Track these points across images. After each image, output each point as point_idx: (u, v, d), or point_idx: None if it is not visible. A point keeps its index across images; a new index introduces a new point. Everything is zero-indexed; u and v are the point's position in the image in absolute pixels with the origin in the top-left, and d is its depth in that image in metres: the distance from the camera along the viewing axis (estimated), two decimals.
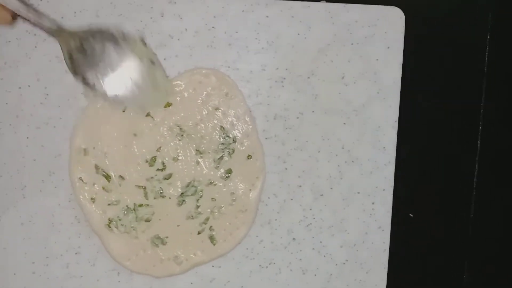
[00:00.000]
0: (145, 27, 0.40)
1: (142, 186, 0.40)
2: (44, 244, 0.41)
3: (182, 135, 0.40)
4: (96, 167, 0.40)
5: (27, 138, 0.41)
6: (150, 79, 0.38)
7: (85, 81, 0.37)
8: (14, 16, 0.35)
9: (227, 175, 0.40)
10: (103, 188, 0.40)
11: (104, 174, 0.40)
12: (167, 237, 0.40)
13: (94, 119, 0.40)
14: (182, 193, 0.40)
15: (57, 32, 0.36)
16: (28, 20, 0.35)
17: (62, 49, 0.37)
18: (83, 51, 0.36)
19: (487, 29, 0.42)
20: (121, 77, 0.37)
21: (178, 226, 0.40)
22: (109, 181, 0.40)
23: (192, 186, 0.40)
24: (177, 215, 0.40)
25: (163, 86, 0.39)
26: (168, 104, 0.39)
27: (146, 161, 0.40)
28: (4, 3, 0.34)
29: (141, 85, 0.37)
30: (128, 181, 0.40)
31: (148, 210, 0.40)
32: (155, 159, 0.40)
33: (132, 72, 0.37)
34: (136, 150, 0.40)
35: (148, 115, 0.40)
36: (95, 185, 0.40)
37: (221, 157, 0.40)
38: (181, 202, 0.40)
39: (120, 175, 0.40)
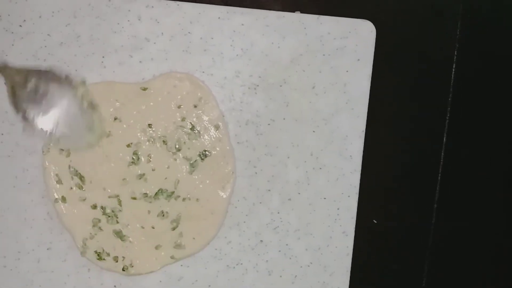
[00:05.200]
0: (122, 30, 0.41)
1: (115, 195, 0.41)
2: (16, 239, 0.42)
3: (155, 137, 0.41)
4: (69, 166, 0.41)
5: (2, 134, 0.41)
6: (86, 121, 0.40)
7: (24, 117, 0.39)
8: None
9: (198, 177, 0.41)
10: (76, 187, 0.41)
11: (77, 174, 0.41)
12: (136, 236, 0.41)
13: None
14: (153, 194, 0.41)
15: (2, 68, 0.38)
16: None
17: (6, 85, 0.39)
18: (26, 88, 0.38)
19: (455, 43, 0.43)
20: (58, 116, 0.39)
21: (148, 226, 0.41)
22: (82, 181, 0.41)
23: (164, 187, 0.41)
24: (148, 215, 0.41)
25: (97, 130, 0.40)
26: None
27: (121, 161, 0.41)
28: None
29: (76, 126, 0.40)
30: (101, 181, 0.41)
31: (120, 213, 0.41)
32: (133, 157, 0.41)
33: (70, 113, 0.39)
34: (109, 150, 0.41)
35: (116, 119, 0.41)
36: (68, 184, 0.41)
37: (193, 160, 0.41)
38: (152, 202, 0.41)
39: (93, 175, 0.41)
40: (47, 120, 0.39)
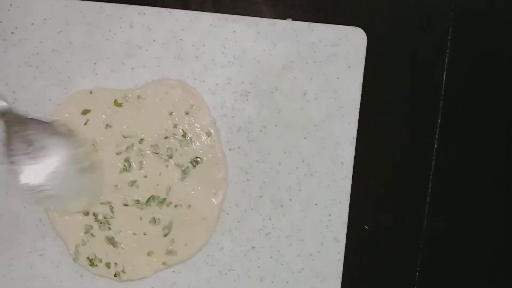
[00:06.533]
0: (113, 37, 0.41)
1: (107, 202, 0.41)
2: (9, 245, 0.42)
3: (147, 144, 0.41)
4: None
5: None
6: (80, 184, 0.37)
7: (11, 163, 0.36)
8: None
9: (190, 184, 0.42)
10: None
11: None
12: (128, 242, 0.41)
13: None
14: (145, 201, 0.41)
15: (5, 112, 0.36)
16: None
17: (4, 130, 0.36)
18: (23, 137, 0.36)
19: (446, 49, 0.43)
20: (49, 174, 0.36)
21: (140, 232, 0.41)
22: None
23: (156, 194, 0.41)
24: (140, 222, 0.41)
25: (90, 195, 0.38)
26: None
27: (112, 168, 0.41)
28: None
29: (67, 188, 0.37)
30: None
31: (112, 219, 0.41)
32: (125, 164, 0.41)
33: (64, 173, 0.36)
34: (101, 157, 0.41)
35: (107, 126, 0.41)
36: None
37: (185, 167, 0.41)
38: (143, 209, 0.41)
39: None
40: (35, 176, 0.36)
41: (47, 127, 0.37)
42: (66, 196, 0.37)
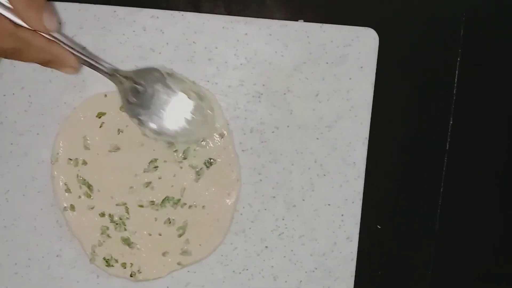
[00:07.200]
0: (127, 40, 0.42)
1: (123, 203, 0.42)
2: (26, 247, 0.43)
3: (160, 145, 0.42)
4: (78, 175, 0.41)
5: (11, 144, 0.42)
6: (199, 113, 0.40)
7: (140, 122, 0.40)
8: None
9: (204, 185, 0.42)
10: (84, 195, 0.42)
11: (85, 183, 0.41)
12: (144, 243, 0.42)
13: (76, 128, 0.41)
14: (160, 202, 0.42)
15: (112, 75, 0.38)
16: (89, 65, 0.38)
17: (119, 92, 0.39)
18: (137, 93, 0.39)
19: (457, 49, 0.43)
20: (172, 114, 0.40)
21: (155, 233, 0.42)
22: (90, 190, 0.41)
23: (170, 195, 0.42)
24: (155, 223, 0.42)
25: (211, 117, 0.41)
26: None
27: (126, 169, 0.42)
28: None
29: (191, 120, 0.40)
30: (109, 190, 0.42)
31: (127, 220, 0.42)
32: (148, 165, 0.42)
33: (182, 109, 0.40)
34: (116, 158, 0.42)
35: (122, 129, 0.42)
36: (76, 192, 0.42)
37: (199, 168, 0.42)
38: (158, 210, 0.42)
39: (100, 184, 0.42)
40: (161, 121, 0.39)
41: (150, 74, 0.40)
42: (193, 128, 0.40)
